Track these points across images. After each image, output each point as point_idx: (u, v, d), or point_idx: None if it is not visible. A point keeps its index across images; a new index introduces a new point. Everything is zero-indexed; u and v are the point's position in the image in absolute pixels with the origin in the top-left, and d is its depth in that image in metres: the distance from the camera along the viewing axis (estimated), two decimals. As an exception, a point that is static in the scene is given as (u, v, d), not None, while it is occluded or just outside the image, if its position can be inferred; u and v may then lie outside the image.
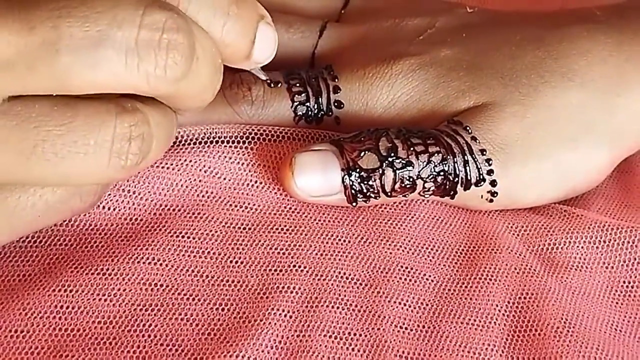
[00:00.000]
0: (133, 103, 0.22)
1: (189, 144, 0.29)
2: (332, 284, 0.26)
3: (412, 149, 0.28)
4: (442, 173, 0.28)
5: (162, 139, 0.23)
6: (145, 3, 0.20)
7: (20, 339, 0.23)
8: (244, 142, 0.29)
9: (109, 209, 0.27)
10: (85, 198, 0.24)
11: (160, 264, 0.26)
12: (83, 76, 0.20)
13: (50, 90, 0.20)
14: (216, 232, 0.27)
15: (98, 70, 0.20)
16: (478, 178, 0.29)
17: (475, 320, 0.26)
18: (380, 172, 0.28)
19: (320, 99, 0.31)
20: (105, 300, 0.24)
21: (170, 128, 0.24)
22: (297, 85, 0.31)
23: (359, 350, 0.24)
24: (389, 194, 0.28)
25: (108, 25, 0.20)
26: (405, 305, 0.26)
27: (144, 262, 0.25)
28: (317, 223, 0.28)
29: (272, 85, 0.30)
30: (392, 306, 0.26)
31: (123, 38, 0.20)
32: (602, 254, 0.29)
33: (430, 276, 0.27)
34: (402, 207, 0.29)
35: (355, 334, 0.25)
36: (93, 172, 0.21)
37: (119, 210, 0.27)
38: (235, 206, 0.28)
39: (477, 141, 0.29)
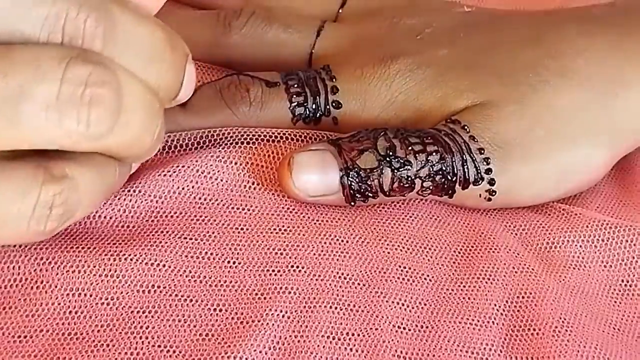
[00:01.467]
0: (62, 167, 0.21)
1: (186, 147, 0.29)
2: (329, 284, 0.26)
3: (410, 148, 0.28)
4: (440, 172, 0.28)
5: (91, 199, 0.23)
6: (69, 56, 0.20)
7: (18, 343, 0.23)
8: (241, 144, 0.29)
9: (104, 217, 0.27)
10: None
11: (157, 266, 0.26)
12: (3, 132, 0.19)
13: None
14: (213, 233, 0.27)
15: (19, 126, 0.19)
16: (476, 177, 0.29)
17: (473, 320, 0.26)
18: (379, 171, 0.28)
19: (318, 99, 0.31)
20: (102, 303, 0.24)
21: (108, 182, 0.23)
22: (295, 85, 0.31)
23: (357, 351, 0.24)
24: (387, 193, 0.28)
25: (27, 80, 0.19)
26: (403, 305, 0.26)
27: (140, 264, 0.25)
28: (315, 223, 0.28)
29: (270, 86, 0.30)
30: (390, 306, 0.26)
31: (44, 93, 0.19)
32: (600, 253, 0.28)
33: (428, 276, 0.27)
34: (400, 206, 0.29)
35: (353, 334, 0.25)
36: (13, 237, 0.21)
37: (114, 217, 0.27)
38: (233, 207, 0.28)
39: (475, 140, 0.29)
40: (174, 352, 0.24)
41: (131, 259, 0.25)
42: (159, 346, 0.24)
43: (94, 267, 0.25)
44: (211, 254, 0.26)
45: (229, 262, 0.26)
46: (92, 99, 0.20)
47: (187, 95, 0.24)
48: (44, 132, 0.20)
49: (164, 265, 0.26)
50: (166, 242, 0.26)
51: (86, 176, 0.22)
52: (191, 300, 0.25)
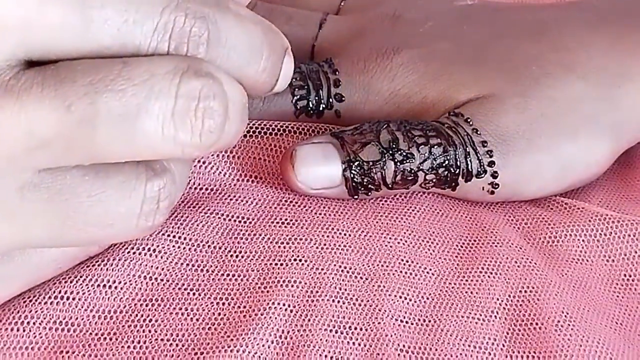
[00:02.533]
0: (161, 162, 0.22)
1: None
2: (332, 277, 0.26)
3: (413, 140, 0.28)
4: (443, 165, 0.28)
5: (184, 184, 0.23)
6: (181, 70, 0.20)
7: (21, 331, 0.23)
8: (244, 137, 0.29)
9: None
10: (103, 245, 0.25)
11: (160, 257, 0.25)
12: (119, 149, 0.20)
13: (85, 162, 0.20)
14: (216, 224, 0.27)
15: (134, 141, 0.20)
16: (479, 170, 0.29)
17: (475, 314, 0.26)
18: (381, 164, 0.28)
19: (320, 92, 0.31)
20: (105, 293, 0.24)
21: (187, 177, 0.24)
22: (298, 79, 0.31)
23: (359, 344, 0.24)
24: (390, 186, 0.28)
25: (145, 97, 0.19)
26: (405, 298, 0.26)
27: (143, 255, 0.25)
28: (317, 216, 0.28)
29: None
30: (392, 299, 0.26)
31: (160, 110, 0.20)
32: (602, 247, 0.28)
33: (430, 269, 0.27)
34: (402, 200, 0.29)
35: (355, 328, 0.25)
36: (121, 235, 0.22)
37: None
38: (236, 199, 0.28)
39: (478, 133, 0.29)
40: (177, 343, 0.24)
41: (133, 250, 0.25)
42: (162, 338, 0.24)
43: (96, 257, 0.25)
44: (214, 245, 0.26)
45: (232, 253, 0.26)
46: (205, 112, 0.20)
47: (282, 87, 0.24)
48: (159, 146, 0.20)
49: (167, 256, 0.26)
50: (168, 233, 0.26)
51: (179, 165, 0.22)
52: (194, 292, 0.25)
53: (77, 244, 0.23)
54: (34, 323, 0.23)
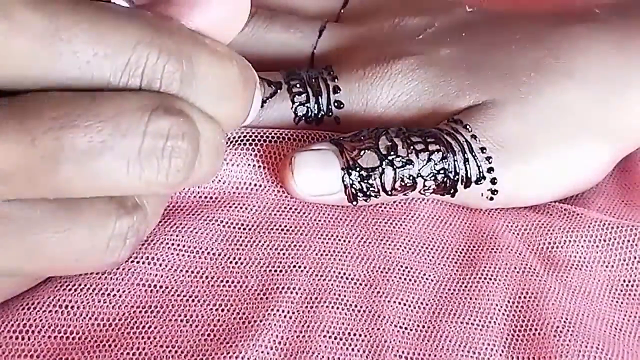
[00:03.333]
0: (133, 198, 0.21)
1: None
2: (332, 284, 0.26)
3: (412, 147, 0.28)
4: (442, 171, 0.28)
5: (156, 218, 0.23)
6: (151, 107, 0.20)
7: (20, 340, 0.23)
8: (243, 144, 0.29)
9: None
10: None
11: (160, 265, 0.26)
12: (83, 186, 0.19)
13: (48, 196, 0.20)
14: (215, 231, 0.27)
15: (99, 178, 0.19)
16: (478, 176, 0.29)
17: (475, 320, 0.26)
18: (380, 170, 0.28)
19: (320, 99, 0.31)
20: (105, 301, 0.24)
21: (162, 210, 0.24)
22: (297, 85, 0.31)
23: (358, 350, 0.24)
24: (389, 192, 0.28)
25: (111, 135, 0.19)
26: (405, 305, 0.26)
27: (142, 263, 0.25)
28: (317, 222, 0.28)
29: (273, 86, 0.30)
30: (392, 306, 0.26)
31: (126, 148, 0.19)
32: (602, 253, 0.28)
33: (430, 276, 0.27)
34: (402, 206, 0.29)
35: (355, 334, 0.25)
36: (83, 268, 0.22)
37: None
38: (235, 207, 0.28)
39: (477, 139, 0.29)
40: (177, 351, 0.24)
41: (133, 258, 0.25)
42: (162, 345, 0.24)
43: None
44: (213, 252, 0.26)
45: (231, 260, 0.26)
46: (172, 152, 0.20)
47: (250, 120, 0.24)
48: (124, 183, 0.20)
49: (165, 264, 0.26)
50: (167, 240, 0.26)
51: (153, 199, 0.22)
52: (193, 299, 0.25)
53: (39, 275, 0.23)
54: (33, 331, 0.23)
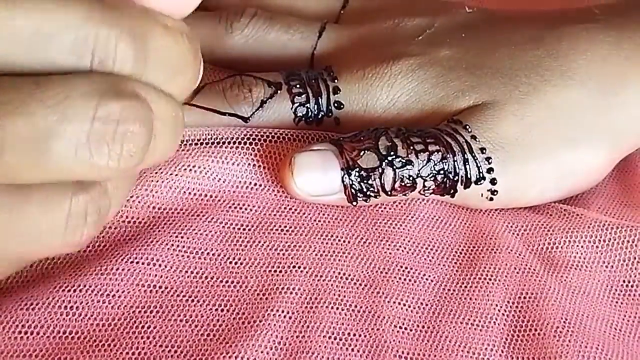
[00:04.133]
0: None
1: (189, 147, 0.29)
2: (331, 285, 0.26)
3: (411, 147, 0.28)
4: (442, 172, 0.28)
5: (120, 197, 0.22)
6: (100, 92, 0.19)
7: (19, 340, 0.23)
8: (244, 144, 0.29)
9: None
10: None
11: (159, 265, 0.26)
12: (30, 172, 0.19)
13: None
14: (215, 232, 0.27)
15: (47, 164, 0.19)
16: (478, 176, 0.29)
17: (475, 320, 0.26)
18: (380, 171, 0.28)
19: (320, 100, 0.31)
20: (104, 302, 0.24)
21: (131, 184, 0.23)
22: (297, 86, 0.31)
23: (358, 351, 0.24)
24: (389, 193, 0.28)
25: (57, 121, 0.18)
26: (404, 305, 0.26)
27: (142, 263, 0.25)
28: (316, 223, 0.28)
29: (273, 87, 0.30)
30: (391, 306, 0.26)
31: (73, 133, 0.18)
32: (602, 253, 0.28)
33: (430, 276, 0.27)
34: (401, 207, 0.29)
35: (354, 335, 0.25)
36: (47, 251, 0.21)
37: (117, 212, 0.27)
38: (235, 207, 0.28)
39: (477, 140, 0.29)
40: (176, 351, 0.24)
41: (133, 258, 0.25)
42: (161, 345, 0.24)
43: (96, 266, 0.25)
44: (213, 253, 0.26)
45: (231, 261, 0.26)
46: (124, 136, 0.19)
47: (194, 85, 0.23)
48: (73, 168, 0.19)
49: (165, 265, 0.26)
50: (167, 241, 0.26)
51: (114, 180, 0.22)
52: (193, 300, 0.25)
53: (2, 259, 0.22)
54: (33, 332, 0.23)
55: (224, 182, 0.28)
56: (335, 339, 0.24)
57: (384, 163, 0.28)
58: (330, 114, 0.31)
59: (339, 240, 0.27)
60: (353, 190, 0.28)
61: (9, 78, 0.19)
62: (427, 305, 0.26)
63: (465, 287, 0.27)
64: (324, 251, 0.27)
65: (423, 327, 0.26)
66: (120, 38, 0.19)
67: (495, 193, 0.29)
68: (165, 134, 0.21)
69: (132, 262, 0.25)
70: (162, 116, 0.21)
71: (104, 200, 0.21)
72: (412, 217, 0.29)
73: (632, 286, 0.28)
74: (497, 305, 0.26)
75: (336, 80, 0.31)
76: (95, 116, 0.19)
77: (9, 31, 0.18)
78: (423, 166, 0.28)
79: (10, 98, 0.18)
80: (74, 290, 0.24)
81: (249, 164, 0.29)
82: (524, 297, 0.27)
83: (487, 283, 0.27)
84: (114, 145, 0.19)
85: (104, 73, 0.19)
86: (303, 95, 0.31)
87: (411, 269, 0.27)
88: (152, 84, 0.21)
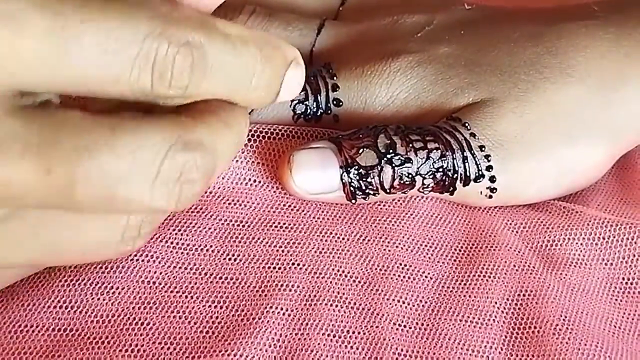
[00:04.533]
0: None
1: None
2: (330, 282, 0.26)
3: (410, 145, 0.28)
4: (441, 169, 0.28)
5: (166, 213, 0.24)
6: (170, 142, 0.20)
7: (17, 337, 0.23)
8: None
9: None
10: None
11: (159, 261, 0.26)
12: (95, 210, 0.20)
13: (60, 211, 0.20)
14: (214, 228, 0.27)
15: (110, 207, 0.20)
16: (477, 174, 0.29)
17: (474, 318, 0.26)
18: (379, 168, 0.28)
19: (319, 97, 0.31)
20: (102, 297, 0.24)
21: None
22: None
23: (357, 348, 0.24)
24: (388, 190, 0.28)
25: (128, 170, 0.19)
26: (403, 303, 0.26)
27: (141, 260, 0.25)
28: (315, 220, 0.28)
29: None
30: (390, 304, 0.26)
31: (140, 182, 0.20)
32: (601, 251, 0.28)
33: (429, 274, 0.27)
34: (400, 204, 0.29)
35: (353, 332, 0.25)
36: (99, 258, 0.22)
37: None
38: (234, 203, 0.28)
39: (476, 137, 0.29)
40: (174, 347, 0.24)
41: (131, 256, 0.25)
42: (159, 342, 0.24)
43: (95, 262, 0.25)
44: (212, 249, 0.26)
45: (229, 257, 0.26)
46: (184, 184, 0.20)
47: (285, 98, 0.24)
48: (134, 208, 0.20)
49: (165, 261, 0.26)
50: (166, 237, 0.26)
51: None
52: (192, 296, 0.25)
53: (53, 264, 0.23)
54: (32, 329, 0.23)
55: (222, 178, 0.28)
56: (334, 336, 0.24)
57: (382, 161, 0.28)
58: (329, 111, 0.31)
59: (338, 238, 0.27)
60: (352, 188, 0.28)
61: (87, 120, 0.19)
62: (426, 302, 0.26)
63: (465, 284, 0.27)
64: (322, 249, 0.27)
65: (422, 324, 0.25)
66: (178, 52, 0.20)
67: (495, 191, 0.29)
68: (224, 161, 0.22)
69: (131, 258, 0.25)
70: (224, 150, 0.21)
71: (157, 214, 0.22)
72: (411, 215, 0.29)
73: (631, 283, 0.28)
74: (496, 303, 0.26)
75: (335, 78, 0.31)
76: (161, 168, 0.20)
77: (76, 48, 0.19)
78: (422, 164, 0.28)
79: (85, 144, 0.19)
80: (74, 286, 0.24)
81: (248, 161, 0.29)
82: (523, 295, 0.27)
83: (487, 280, 0.27)
84: (174, 192, 0.20)
85: (174, 121, 0.20)
86: (302, 93, 0.31)
87: (410, 266, 0.27)
88: (215, 95, 0.21)
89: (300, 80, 0.24)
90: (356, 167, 0.28)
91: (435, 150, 0.28)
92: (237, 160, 0.28)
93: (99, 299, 0.24)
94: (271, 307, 0.25)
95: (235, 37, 0.21)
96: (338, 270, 0.26)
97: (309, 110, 0.31)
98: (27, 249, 0.20)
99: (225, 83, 0.21)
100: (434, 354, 0.25)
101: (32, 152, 0.18)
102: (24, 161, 0.18)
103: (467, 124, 0.29)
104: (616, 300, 0.27)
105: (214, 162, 0.21)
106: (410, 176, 0.28)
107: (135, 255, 0.25)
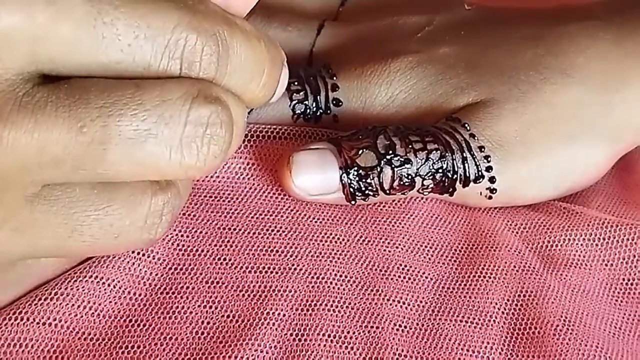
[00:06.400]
0: None
1: None
2: (329, 285, 0.26)
3: (410, 146, 0.28)
4: (440, 170, 0.28)
5: (185, 199, 0.24)
6: (191, 96, 0.20)
7: (15, 327, 0.23)
8: (242, 141, 0.29)
9: None
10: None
11: (158, 261, 0.25)
12: (126, 170, 0.20)
13: (92, 180, 0.20)
14: (212, 233, 0.27)
15: (142, 165, 0.20)
16: (477, 175, 0.29)
17: (474, 319, 0.26)
18: (379, 170, 0.28)
19: (318, 97, 0.31)
20: (105, 292, 0.24)
21: (190, 188, 0.25)
22: (296, 83, 0.31)
23: (357, 350, 0.24)
24: (388, 191, 0.28)
25: (156, 123, 0.20)
26: (404, 304, 0.26)
27: (142, 259, 0.25)
28: (314, 223, 0.28)
29: None
30: (390, 306, 0.26)
31: (169, 135, 0.20)
32: (601, 252, 0.28)
33: (429, 275, 0.27)
34: (400, 205, 0.29)
35: (353, 335, 0.25)
36: (124, 246, 0.22)
37: None
38: (232, 207, 0.28)
39: (476, 138, 0.29)
40: (172, 349, 0.24)
41: (134, 253, 0.25)
42: (156, 342, 0.24)
43: (91, 257, 0.25)
44: (211, 252, 0.26)
45: (228, 261, 0.26)
46: (211, 139, 0.21)
47: (277, 98, 0.25)
48: (165, 168, 0.20)
49: (164, 262, 0.26)
50: (165, 238, 0.26)
51: (183, 182, 0.23)
52: (192, 300, 0.25)
53: (81, 254, 0.23)
54: (31, 320, 0.23)
55: (221, 180, 0.28)
56: (333, 339, 0.24)
57: (382, 162, 0.28)
58: (328, 111, 0.31)
59: (337, 240, 0.27)
60: (352, 189, 0.28)
61: (113, 81, 0.20)
62: (426, 303, 0.26)
63: (465, 285, 0.27)
64: (321, 251, 0.27)
65: (422, 325, 0.25)
66: (206, 43, 0.21)
67: (494, 191, 0.29)
68: (238, 138, 0.22)
69: (132, 256, 0.25)
70: (238, 122, 0.22)
71: (177, 200, 0.23)
72: (410, 216, 0.29)
73: (632, 284, 0.28)
74: (496, 304, 0.26)
75: (335, 78, 0.31)
76: (187, 120, 0.20)
77: (110, 33, 0.19)
78: (422, 165, 0.28)
79: (114, 100, 0.19)
80: (74, 282, 0.24)
81: (247, 161, 0.29)
82: (524, 296, 0.27)
83: (487, 281, 0.27)
84: (203, 148, 0.21)
85: (193, 79, 0.21)
86: (301, 93, 0.31)
87: (410, 267, 0.27)
88: (230, 88, 0.22)
89: (286, 81, 0.25)
90: (356, 168, 0.28)
91: (434, 151, 0.28)
92: (235, 162, 0.28)
93: (97, 292, 0.24)
94: (270, 311, 0.25)
95: (251, 33, 0.22)
96: (337, 273, 0.26)
97: (308, 110, 0.31)
98: (54, 233, 0.21)
99: (241, 79, 0.22)
100: (434, 355, 0.25)
101: (65, 112, 0.19)
102: (58, 121, 0.19)
103: (466, 125, 0.29)
104: (616, 301, 0.27)
105: (232, 122, 0.21)
106: (409, 177, 0.28)
107: (137, 254, 0.25)
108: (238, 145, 0.23)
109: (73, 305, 0.24)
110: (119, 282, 0.25)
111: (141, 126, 0.20)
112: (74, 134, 0.19)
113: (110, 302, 0.24)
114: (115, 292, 0.25)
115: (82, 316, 0.24)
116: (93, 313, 0.24)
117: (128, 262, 0.25)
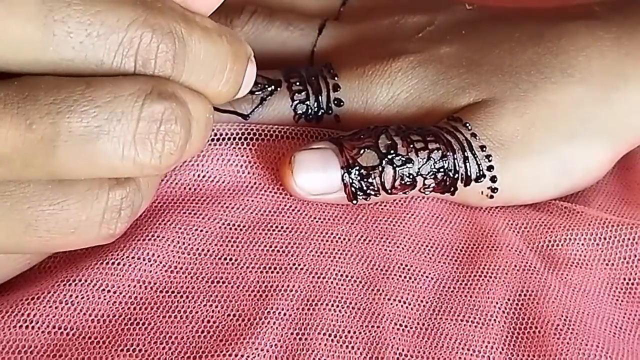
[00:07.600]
0: None
1: None
2: (331, 284, 0.26)
3: (411, 145, 0.28)
4: (442, 170, 0.28)
5: (150, 194, 0.24)
6: (144, 92, 0.20)
7: (19, 333, 0.23)
8: (244, 140, 0.29)
9: None
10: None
11: (158, 263, 0.25)
12: (78, 168, 0.20)
13: (44, 178, 0.20)
14: (214, 231, 0.27)
15: (94, 162, 0.20)
16: (478, 174, 0.29)
17: (475, 318, 0.26)
18: (380, 169, 0.28)
19: (320, 97, 0.31)
20: (104, 298, 0.24)
21: (159, 180, 0.24)
22: (297, 83, 0.31)
23: (358, 349, 0.24)
24: (389, 191, 0.28)
25: (107, 120, 0.20)
26: (405, 303, 0.26)
27: (140, 261, 0.25)
28: (316, 222, 0.28)
29: (272, 84, 0.30)
30: (391, 305, 0.26)
31: (121, 132, 0.20)
32: (602, 251, 0.28)
33: (430, 274, 0.27)
34: (401, 204, 0.29)
35: (354, 333, 0.25)
36: (82, 242, 0.22)
37: None
38: (233, 205, 0.28)
39: (477, 137, 0.29)
40: (173, 348, 0.24)
41: (132, 256, 0.25)
42: (156, 342, 0.24)
43: (92, 260, 0.25)
44: (212, 251, 0.26)
45: (229, 260, 0.26)
46: (166, 136, 0.21)
47: (242, 94, 0.25)
48: (118, 166, 0.20)
49: (164, 263, 0.26)
50: (167, 238, 0.26)
51: (148, 177, 0.23)
52: (192, 298, 0.25)
53: (38, 250, 0.23)
54: (32, 326, 0.23)
55: (222, 181, 0.28)
56: (334, 338, 0.24)
57: (384, 161, 0.28)
58: (330, 112, 0.31)
59: (339, 239, 0.27)
60: (353, 189, 0.28)
61: (64, 78, 0.20)
62: (427, 303, 0.26)
63: (466, 285, 0.27)
64: (323, 250, 0.27)
65: (423, 325, 0.25)
66: (161, 41, 0.20)
67: (496, 191, 0.29)
68: (199, 134, 0.22)
69: (129, 259, 0.25)
70: (198, 117, 0.22)
71: (137, 196, 0.22)
72: (412, 215, 0.29)
73: (632, 284, 0.28)
74: (497, 303, 0.26)
75: (336, 78, 0.31)
76: (140, 117, 0.20)
77: (62, 31, 0.19)
78: (423, 164, 0.28)
79: (64, 97, 0.19)
80: (71, 285, 0.24)
81: (249, 161, 0.29)
82: (525, 295, 0.27)
83: (488, 281, 0.27)
84: (157, 145, 0.20)
85: (147, 75, 0.21)
86: (303, 93, 0.31)
87: (411, 267, 0.27)
88: (190, 85, 0.22)
89: (253, 77, 0.25)
90: (357, 168, 0.28)
91: (436, 151, 0.28)
92: (236, 161, 0.28)
93: (97, 298, 0.24)
94: (271, 310, 0.25)
95: (211, 30, 0.22)
96: (339, 272, 0.26)
97: (310, 111, 0.31)
98: (8, 228, 0.20)
99: (201, 75, 0.22)
100: (435, 354, 0.25)
101: (13, 109, 0.19)
102: (5, 118, 0.19)
103: (468, 124, 0.29)
104: (617, 300, 0.27)
105: (189, 119, 0.21)
106: (411, 176, 0.28)
107: (134, 257, 0.25)
108: (202, 142, 0.23)
109: (75, 310, 0.24)
110: (116, 285, 0.25)
111: (92, 123, 0.19)
112: (23, 131, 0.19)
113: (111, 306, 0.24)
114: (116, 297, 0.24)
115: (84, 321, 0.24)
116: (94, 319, 0.24)
117: (129, 266, 0.25)
